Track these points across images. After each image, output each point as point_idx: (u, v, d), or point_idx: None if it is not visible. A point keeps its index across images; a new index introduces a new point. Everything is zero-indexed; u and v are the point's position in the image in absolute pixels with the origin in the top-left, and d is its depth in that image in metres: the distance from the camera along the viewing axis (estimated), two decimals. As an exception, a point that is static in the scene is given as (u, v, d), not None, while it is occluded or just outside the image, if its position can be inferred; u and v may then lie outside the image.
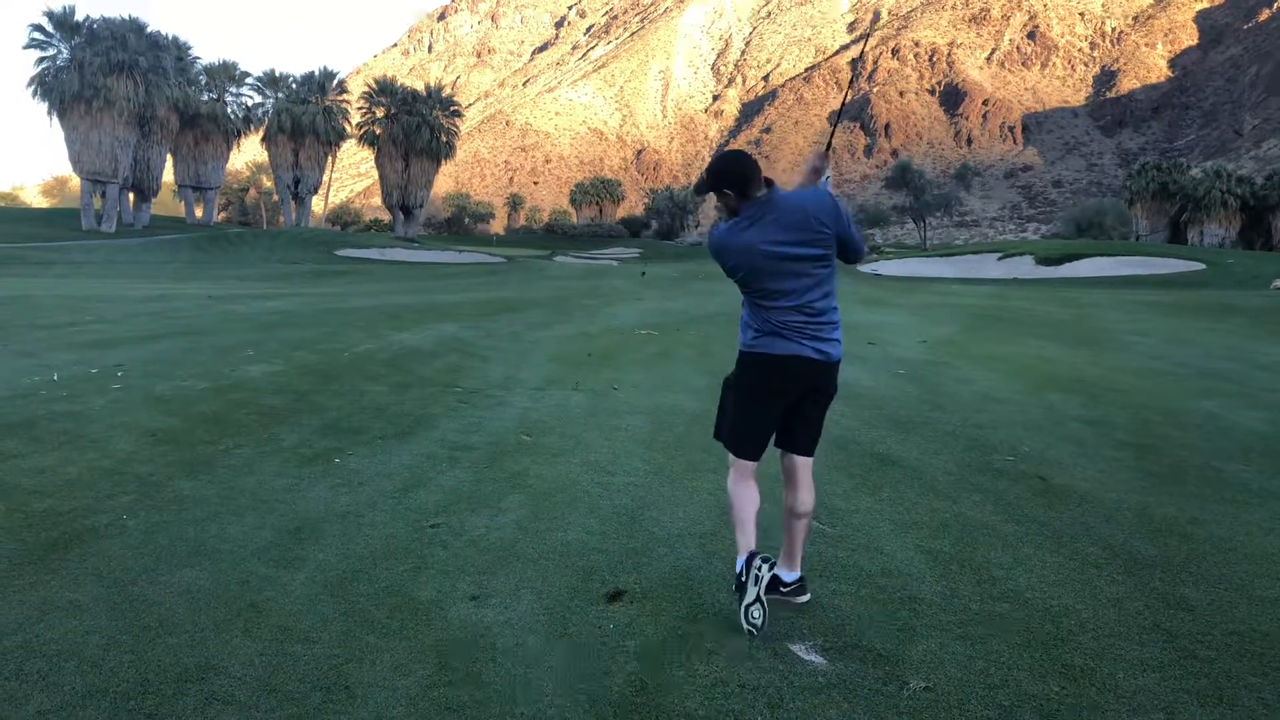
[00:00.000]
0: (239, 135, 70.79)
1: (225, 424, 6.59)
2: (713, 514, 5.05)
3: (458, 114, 76.58)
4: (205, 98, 67.04)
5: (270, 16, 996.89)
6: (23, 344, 9.62)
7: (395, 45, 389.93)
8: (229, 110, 69.35)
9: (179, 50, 60.89)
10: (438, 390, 8.40)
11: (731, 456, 3.91)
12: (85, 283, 21.86)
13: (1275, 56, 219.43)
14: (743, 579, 3.68)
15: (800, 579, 3.93)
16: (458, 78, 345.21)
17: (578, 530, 4.72)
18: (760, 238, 3.71)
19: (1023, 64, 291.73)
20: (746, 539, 3.76)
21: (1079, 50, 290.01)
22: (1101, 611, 3.88)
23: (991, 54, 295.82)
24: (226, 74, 69.06)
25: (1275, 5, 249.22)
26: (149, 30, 56.28)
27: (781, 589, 3.89)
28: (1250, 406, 8.67)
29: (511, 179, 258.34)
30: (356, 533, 4.55)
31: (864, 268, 47.85)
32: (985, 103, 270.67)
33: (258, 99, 71.12)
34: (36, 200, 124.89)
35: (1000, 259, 48.94)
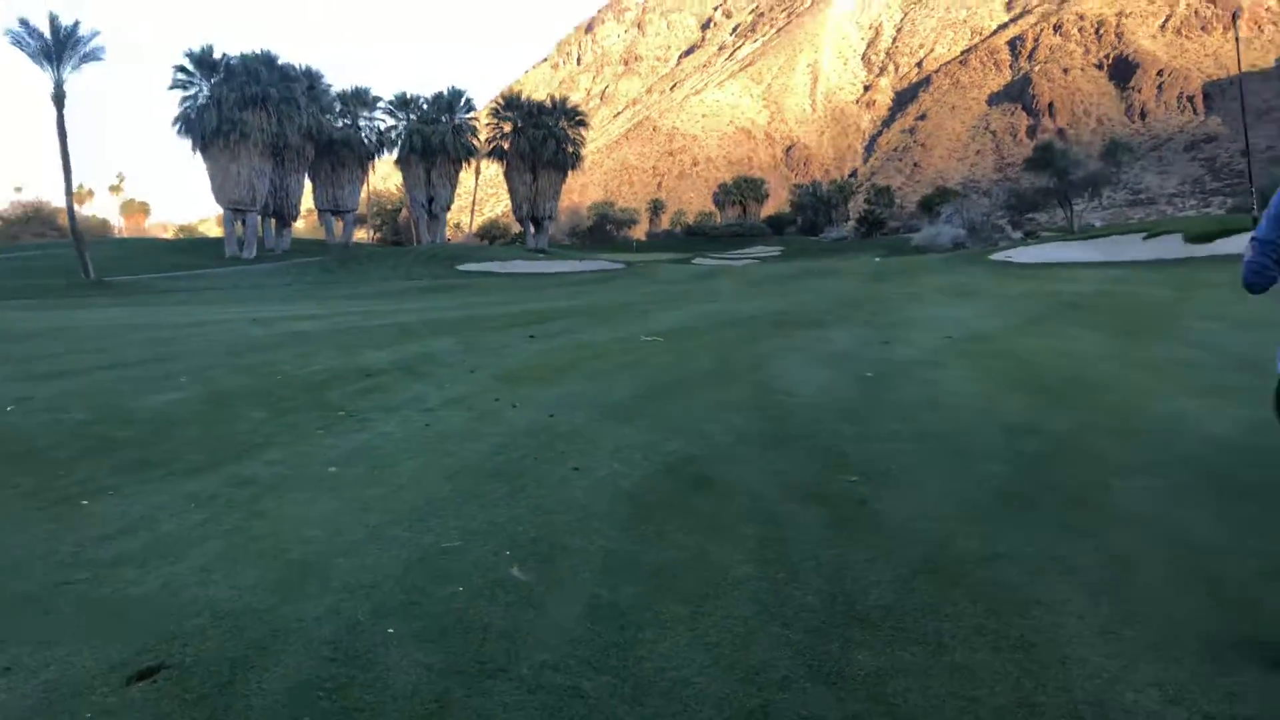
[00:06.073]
0: (373, 158, 73.89)
1: (28, 461, 6.37)
2: (392, 566, 4.38)
3: (583, 124, 77.15)
4: (340, 124, 70.16)
5: (428, 41, 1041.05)
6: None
7: (545, 60, 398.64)
8: (362, 135, 72.36)
9: (311, 80, 63.89)
10: (317, 415, 7.98)
11: None
12: (164, 311, 22.84)
13: None
14: None
15: None
16: (606, 87, 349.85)
17: (223, 587, 4.16)
18: None
19: (1202, 29, 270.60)
20: None
21: (1266, 9, 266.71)
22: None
23: (1166, 21, 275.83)
24: (359, 100, 72.00)
25: None
26: (280, 63, 59.56)
27: None
28: (1238, 405, 7.18)
29: (659, 184, 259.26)
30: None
31: (996, 256, 45.07)
32: (1160, 73, 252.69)
33: (390, 122, 74.03)
34: (213, 231, 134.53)
35: (1146, 239, 45.04)
